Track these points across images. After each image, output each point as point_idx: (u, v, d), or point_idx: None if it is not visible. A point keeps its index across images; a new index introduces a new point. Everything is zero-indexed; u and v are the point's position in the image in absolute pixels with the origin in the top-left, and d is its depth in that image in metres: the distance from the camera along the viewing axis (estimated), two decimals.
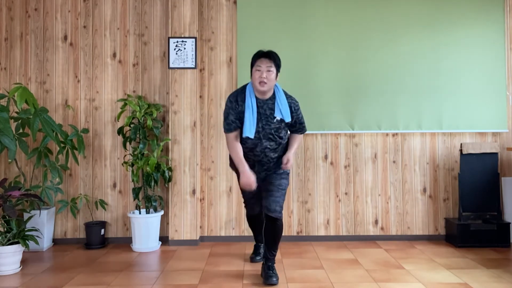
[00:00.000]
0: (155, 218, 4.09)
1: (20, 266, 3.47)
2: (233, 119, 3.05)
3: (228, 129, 3.07)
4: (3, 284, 3.14)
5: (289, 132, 3.23)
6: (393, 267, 3.45)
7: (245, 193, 3.37)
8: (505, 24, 4.35)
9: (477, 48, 4.32)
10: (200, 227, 4.33)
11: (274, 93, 3.08)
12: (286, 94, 3.12)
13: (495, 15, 4.33)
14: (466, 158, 4.15)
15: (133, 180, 4.06)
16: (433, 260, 3.64)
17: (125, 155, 4.32)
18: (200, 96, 4.36)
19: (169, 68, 4.24)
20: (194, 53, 4.22)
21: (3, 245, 3.37)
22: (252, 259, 3.61)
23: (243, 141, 3.08)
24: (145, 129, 4.12)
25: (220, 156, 4.36)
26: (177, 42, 4.22)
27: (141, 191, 4.16)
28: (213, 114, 4.37)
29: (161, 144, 4.12)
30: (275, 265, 3.21)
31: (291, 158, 3.14)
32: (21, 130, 3.94)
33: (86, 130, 4.23)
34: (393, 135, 4.37)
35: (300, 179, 4.36)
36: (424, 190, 4.36)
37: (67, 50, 4.37)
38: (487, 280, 3.12)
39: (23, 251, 3.51)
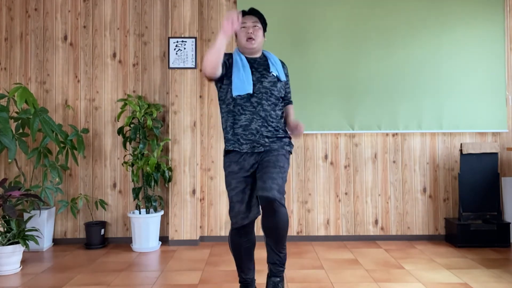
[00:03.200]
0: (155, 218, 4.09)
1: (20, 266, 3.47)
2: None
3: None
4: (3, 284, 3.13)
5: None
6: (393, 267, 3.45)
7: (230, 184, 2.56)
8: (505, 24, 4.35)
9: (477, 48, 4.32)
10: (200, 227, 4.33)
11: (263, 54, 2.74)
12: (276, 57, 2.77)
13: (495, 15, 4.33)
14: (466, 158, 4.15)
15: (133, 180, 4.06)
16: (433, 260, 3.64)
17: (125, 155, 4.32)
18: (200, 96, 4.36)
19: (169, 68, 4.24)
20: (194, 53, 4.22)
21: (3, 245, 3.37)
22: None
23: (238, 113, 2.57)
24: (145, 129, 4.12)
25: (220, 156, 4.36)
26: (177, 42, 4.22)
27: (141, 191, 4.17)
28: (213, 114, 4.37)
29: (161, 144, 4.12)
30: (283, 283, 2.54)
31: (298, 121, 2.68)
32: (21, 130, 3.94)
33: (86, 130, 4.23)
34: (393, 135, 4.37)
35: (300, 179, 4.36)
36: (424, 190, 4.36)
37: (67, 50, 4.37)
38: (487, 280, 3.12)
39: (23, 251, 3.51)
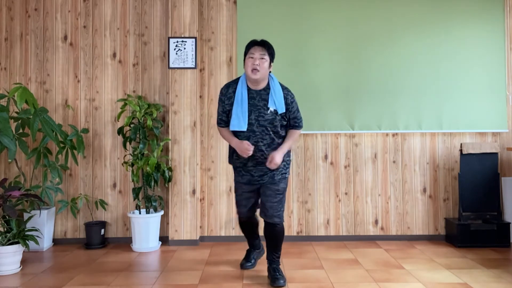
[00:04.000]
0: (155, 218, 4.09)
1: (20, 266, 3.47)
2: (221, 112, 3.05)
3: (218, 123, 3.11)
4: (3, 284, 3.13)
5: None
6: (393, 267, 3.45)
7: (238, 191, 3.18)
8: (505, 24, 4.35)
9: (477, 48, 4.32)
10: (200, 227, 4.33)
11: (268, 84, 3.00)
12: (282, 85, 3.03)
13: (495, 15, 4.33)
14: (466, 158, 4.15)
15: (133, 180, 4.06)
16: (433, 260, 3.64)
17: (125, 155, 4.32)
18: (200, 96, 4.36)
19: (169, 68, 4.24)
20: (194, 53, 4.22)
21: (3, 245, 3.37)
22: (242, 266, 3.42)
23: (236, 134, 3.02)
24: (145, 129, 4.12)
25: (220, 156, 4.36)
26: (177, 42, 4.22)
27: (141, 191, 4.16)
28: (213, 114, 4.37)
29: (161, 144, 4.12)
30: (280, 266, 3.16)
31: (277, 157, 2.94)
32: (21, 130, 3.94)
33: (86, 130, 4.23)
34: (393, 135, 4.37)
35: (300, 179, 4.36)
36: (424, 190, 4.36)
37: (67, 50, 4.37)
38: (487, 280, 3.12)
39: (23, 251, 3.51)
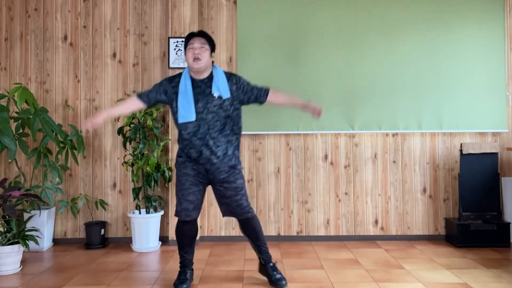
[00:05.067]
0: (155, 218, 4.09)
1: (20, 266, 3.47)
2: (153, 89, 2.93)
3: (138, 94, 2.97)
4: (3, 284, 3.14)
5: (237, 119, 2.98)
6: (393, 267, 3.45)
7: (180, 186, 2.91)
8: (505, 24, 4.35)
9: (477, 48, 4.32)
10: (200, 227, 4.32)
11: (211, 73, 2.92)
12: (225, 72, 2.96)
13: (495, 15, 4.33)
14: (466, 158, 4.15)
15: (133, 180, 4.06)
16: (433, 260, 3.64)
17: (125, 155, 4.32)
18: None
19: (169, 68, 4.24)
20: None
21: (3, 245, 3.37)
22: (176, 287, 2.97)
23: (184, 126, 2.86)
24: (145, 129, 4.12)
25: None
26: (177, 42, 4.22)
27: (141, 191, 4.16)
28: None
29: (161, 144, 4.12)
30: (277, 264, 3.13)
31: (313, 103, 2.97)
32: (21, 130, 3.94)
33: None
34: (393, 135, 4.37)
35: (300, 179, 4.36)
36: (424, 190, 4.36)
37: (67, 50, 4.37)
38: (487, 280, 3.12)
39: (23, 251, 3.51)
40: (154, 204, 4.10)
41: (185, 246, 3.02)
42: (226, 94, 2.87)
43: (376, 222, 4.35)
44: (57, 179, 4.05)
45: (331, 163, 4.36)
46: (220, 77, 2.90)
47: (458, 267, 3.43)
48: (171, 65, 4.22)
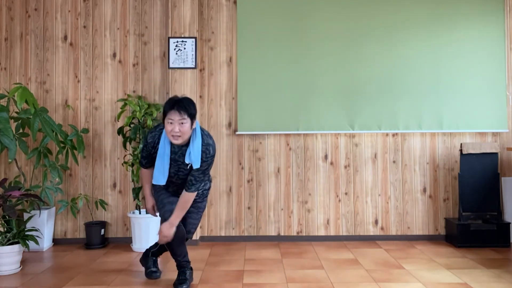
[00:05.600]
0: (155, 218, 4.08)
1: (20, 266, 3.47)
2: (144, 156, 3.05)
3: (141, 163, 3.13)
4: (3, 284, 3.13)
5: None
6: (393, 267, 3.45)
7: (159, 198, 3.07)
8: (505, 24, 4.35)
9: (477, 48, 4.32)
10: (200, 227, 4.32)
11: (189, 140, 2.86)
12: (204, 139, 2.87)
13: (495, 15, 4.33)
14: (466, 158, 4.15)
15: (133, 180, 4.06)
16: (433, 260, 3.64)
17: (125, 155, 4.32)
18: (200, 96, 4.36)
19: (169, 68, 4.24)
20: (194, 53, 4.22)
21: (3, 245, 3.37)
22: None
23: (159, 191, 3.10)
24: (145, 129, 4.12)
25: (219, 156, 4.36)
26: (177, 42, 4.22)
27: (141, 191, 4.16)
28: (213, 114, 4.37)
29: None
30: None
31: (165, 228, 2.88)
32: (21, 130, 3.94)
33: (86, 130, 4.23)
34: (393, 135, 4.37)
35: (300, 179, 4.36)
36: (424, 190, 4.36)
37: (67, 50, 4.37)
38: (487, 280, 3.12)
39: (23, 251, 3.51)
40: None
41: (175, 250, 3.00)
42: (197, 164, 2.83)
43: (376, 222, 4.35)
44: (57, 179, 4.05)
45: (331, 163, 4.36)
46: (196, 147, 2.83)
47: (458, 267, 3.43)
48: (171, 65, 4.22)
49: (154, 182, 2.96)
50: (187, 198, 2.92)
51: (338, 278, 3.19)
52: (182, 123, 2.77)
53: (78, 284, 3.12)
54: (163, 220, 2.96)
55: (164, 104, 2.86)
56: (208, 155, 2.87)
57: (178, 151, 2.90)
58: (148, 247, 3.37)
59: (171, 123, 2.78)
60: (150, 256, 3.27)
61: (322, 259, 3.70)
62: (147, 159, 3.05)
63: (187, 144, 2.88)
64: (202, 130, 2.92)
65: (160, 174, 2.92)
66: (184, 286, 2.97)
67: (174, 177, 2.98)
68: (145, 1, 4.38)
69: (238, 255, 3.84)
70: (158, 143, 2.93)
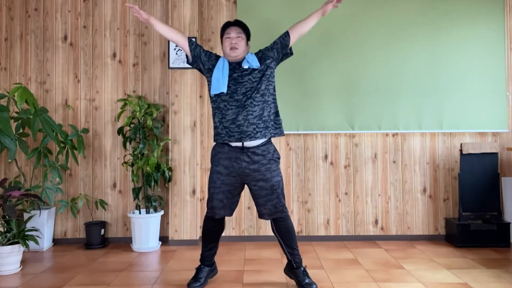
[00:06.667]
0: (155, 218, 4.09)
1: (20, 266, 3.47)
2: (198, 45, 3.02)
3: (189, 38, 3.04)
4: (3, 284, 3.14)
5: (268, 88, 2.97)
6: (393, 267, 3.45)
7: (211, 184, 2.92)
8: (505, 24, 4.35)
9: (477, 48, 4.32)
10: (200, 227, 4.32)
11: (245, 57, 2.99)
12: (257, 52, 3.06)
13: (495, 15, 4.33)
14: (466, 158, 4.15)
15: (133, 180, 4.06)
16: (433, 260, 3.64)
17: (125, 155, 4.32)
18: (200, 96, 4.36)
19: (169, 68, 4.24)
20: None
21: (3, 245, 3.37)
22: (189, 286, 3.00)
23: (223, 110, 2.87)
24: (145, 129, 4.12)
25: None
26: None
27: (141, 191, 4.16)
28: None
29: (161, 144, 4.12)
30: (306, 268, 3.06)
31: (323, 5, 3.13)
32: (21, 130, 3.94)
33: (86, 130, 4.23)
34: (393, 135, 4.37)
35: (300, 179, 4.36)
36: (424, 190, 4.36)
37: (67, 50, 4.37)
38: (487, 280, 3.12)
39: (23, 251, 3.51)
40: (154, 204, 4.10)
41: (207, 241, 3.07)
42: (256, 64, 2.93)
43: (376, 222, 4.35)
44: (57, 179, 4.05)
45: (331, 163, 4.36)
46: (251, 56, 2.97)
47: (458, 267, 3.43)
48: (171, 65, 4.22)
49: (214, 92, 2.90)
50: (296, 23, 3.13)
51: (338, 278, 3.19)
52: (238, 37, 2.96)
53: (78, 284, 3.12)
54: (208, 208, 2.96)
55: (221, 27, 3.05)
56: (264, 49, 3.02)
57: (236, 67, 2.94)
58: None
59: (228, 37, 2.96)
60: (297, 268, 3.03)
61: (322, 259, 3.70)
62: (197, 44, 3.02)
63: (242, 60, 2.96)
64: None
65: (218, 82, 2.89)
66: (197, 285, 2.98)
67: (235, 85, 2.88)
68: (145, 1, 4.38)
69: (238, 255, 3.84)
70: (216, 60, 2.98)
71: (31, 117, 3.75)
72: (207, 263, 3.09)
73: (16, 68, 4.36)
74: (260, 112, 2.88)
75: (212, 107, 3.00)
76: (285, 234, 2.98)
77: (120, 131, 4.17)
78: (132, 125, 4.11)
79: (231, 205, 2.98)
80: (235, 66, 2.96)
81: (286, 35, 3.07)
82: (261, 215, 2.96)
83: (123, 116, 4.29)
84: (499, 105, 4.30)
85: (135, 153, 4.06)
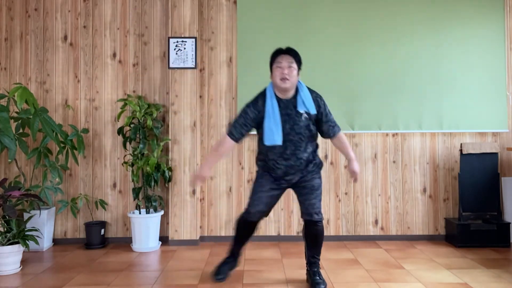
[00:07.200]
0: (155, 218, 4.09)
1: (20, 266, 3.47)
2: (241, 123, 2.84)
3: (231, 134, 2.86)
4: (3, 284, 3.14)
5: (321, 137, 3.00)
6: (393, 267, 3.45)
7: (254, 190, 2.97)
8: (505, 24, 4.35)
9: (477, 48, 4.32)
10: (200, 227, 4.33)
11: (297, 90, 2.86)
12: (310, 89, 2.91)
13: (495, 15, 4.33)
14: (466, 158, 4.15)
15: (133, 180, 4.06)
16: (433, 260, 3.64)
17: (125, 155, 4.32)
18: (200, 96, 4.36)
19: (169, 68, 4.24)
20: (194, 53, 4.22)
21: (3, 245, 3.37)
22: (213, 276, 3.09)
23: (271, 147, 2.84)
24: (145, 129, 4.12)
25: None
26: (177, 42, 4.22)
27: (141, 191, 4.16)
28: (213, 114, 4.37)
29: (161, 144, 4.12)
30: (320, 270, 3.10)
31: (356, 165, 2.93)
32: (21, 130, 3.94)
33: (86, 130, 4.23)
34: (393, 135, 4.37)
35: None
36: (424, 190, 4.36)
37: (67, 50, 4.37)
38: (487, 280, 3.12)
39: (23, 251, 3.51)
40: (154, 204, 4.10)
41: (239, 238, 3.12)
42: (313, 110, 2.83)
43: (376, 222, 4.35)
44: (57, 179, 4.05)
45: (331, 163, 4.36)
46: (306, 94, 2.85)
47: (458, 267, 3.43)
48: (171, 65, 4.22)
49: (268, 143, 2.79)
50: (344, 137, 3.00)
51: (338, 278, 3.19)
52: (290, 67, 2.80)
53: (78, 284, 3.12)
54: (246, 209, 2.98)
55: (271, 54, 2.89)
56: (322, 100, 2.90)
57: (288, 104, 2.83)
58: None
59: (279, 67, 2.81)
60: (311, 269, 3.05)
61: (322, 259, 3.69)
62: (243, 129, 2.85)
63: (294, 96, 2.85)
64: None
65: (274, 133, 2.77)
66: (221, 277, 3.05)
67: (291, 133, 2.81)
68: (145, 1, 4.38)
69: None
70: (263, 106, 2.82)
71: (31, 117, 3.75)
72: (235, 256, 3.18)
73: (16, 68, 4.36)
74: (309, 149, 2.92)
75: (259, 144, 2.95)
76: (311, 238, 2.98)
77: (120, 131, 4.17)
78: (132, 125, 4.11)
79: (272, 207, 3.05)
80: (286, 105, 2.83)
81: (335, 133, 2.96)
82: (301, 214, 3.00)
83: (123, 116, 4.29)
84: (499, 105, 4.30)
85: (135, 153, 4.06)
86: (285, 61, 2.81)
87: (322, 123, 2.91)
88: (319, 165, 3.01)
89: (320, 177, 2.98)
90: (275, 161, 2.88)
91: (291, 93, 2.86)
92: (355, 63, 4.31)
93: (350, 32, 4.33)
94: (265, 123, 2.80)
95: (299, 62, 2.87)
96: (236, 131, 2.86)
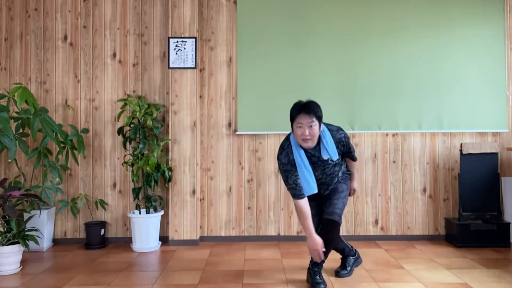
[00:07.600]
0: (155, 218, 4.09)
1: (20, 266, 3.47)
2: (295, 181, 2.90)
3: (294, 194, 2.93)
4: (3, 284, 3.14)
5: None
6: (393, 267, 3.45)
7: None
8: (505, 24, 4.35)
9: (477, 48, 4.32)
10: (200, 227, 4.33)
11: (320, 138, 2.89)
12: (332, 131, 2.94)
13: (495, 15, 4.33)
14: (466, 158, 4.15)
15: (133, 180, 4.06)
16: (433, 260, 3.64)
17: (125, 155, 4.32)
18: (200, 96, 4.36)
19: (169, 68, 4.24)
20: (194, 53, 4.22)
21: (3, 245, 3.37)
22: (337, 274, 3.24)
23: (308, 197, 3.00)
24: (145, 129, 4.12)
25: (220, 156, 4.36)
26: (177, 42, 4.22)
27: (141, 191, 4.16)
28: (213, 114, 4.37)
29: (161, 144, 4.12)
30: (322, 271, 3.12)
31: (356, 184, 3.24)
32: (21, 130, 3.94)
33: (86, 130, 4.23)
34: (393, 135, 4.37)
35: None
36: (424, 190, 4.36)
37: (67, 50, 4.37)
38: (487, 280, 3.12)
39: (23, 251, 3.51)
40: (154, 204, 4.10)
41: (331, 242, 3.10)
42: (335, 156, 2.93)
43: (376, 222, 4.35)
44: (57, 179, 4.05)
45: None
46: (329, 141, 2.90)
47: (458, 267, 3.43)
48: (171, 65, 4.22)
49: (307, 194, 2.91)
50: (356, 164, 3.22)
51: (338, 278, 3.18)
52: (311, 126, 2.80)
53: (78, 284, 3.12)
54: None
55: (291, 110, 2.87)
56: (345, 139, 2.98)
57: (315, 153, 2.92)
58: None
59: (300, 127, 2.82)
60: (312, 268, 3.08)
61: None
62: (297, 182, 2.90)
63: (318, 143, 2.90)
64: (327, 125, 2.97)
65: (310, 184, 2.90)
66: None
67: (322, 178, 3.00)
68: (145, 1, 4.38)
69: (238, 255, 3.84)
70: (292, 156, 2.89)
71: (31, 117, 3.75)
72: (346, 252, 3.28)
73: (16, 68, 4.36)
74: (340, 172, 3.09)
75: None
76: (322, 237, 2.96)
77: (120, 131, 4.17)
78: (132, 125, 4.11)
79: (321, 213, 3.11)
80: (313, 154, 2.91)
81: (350, 158, 3.14)
82: (324, 214, 3.05)
83: (123, 116, 4.29)
84: (499, 105, 4.30)
85: (135, 153, 4.06)
86: (305, 121, 2.80)
87: (345, 154, 3.08)
88: (346, 172, 3.17)
89: (346, 183, 3.13)
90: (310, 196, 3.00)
91: (314, 143, 2.89)
92: (355, 63, 4.31)
93: (350, 32, 4.33)
94: (300, 175, 2.89)
95: (319, 117, 2.84)
96: (298, 189, 2.92)
